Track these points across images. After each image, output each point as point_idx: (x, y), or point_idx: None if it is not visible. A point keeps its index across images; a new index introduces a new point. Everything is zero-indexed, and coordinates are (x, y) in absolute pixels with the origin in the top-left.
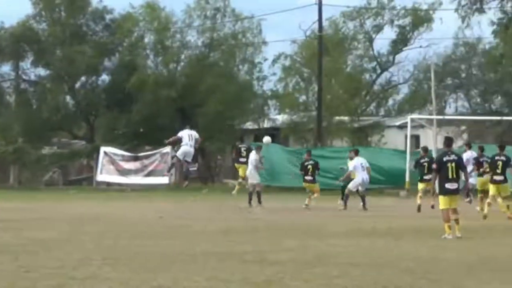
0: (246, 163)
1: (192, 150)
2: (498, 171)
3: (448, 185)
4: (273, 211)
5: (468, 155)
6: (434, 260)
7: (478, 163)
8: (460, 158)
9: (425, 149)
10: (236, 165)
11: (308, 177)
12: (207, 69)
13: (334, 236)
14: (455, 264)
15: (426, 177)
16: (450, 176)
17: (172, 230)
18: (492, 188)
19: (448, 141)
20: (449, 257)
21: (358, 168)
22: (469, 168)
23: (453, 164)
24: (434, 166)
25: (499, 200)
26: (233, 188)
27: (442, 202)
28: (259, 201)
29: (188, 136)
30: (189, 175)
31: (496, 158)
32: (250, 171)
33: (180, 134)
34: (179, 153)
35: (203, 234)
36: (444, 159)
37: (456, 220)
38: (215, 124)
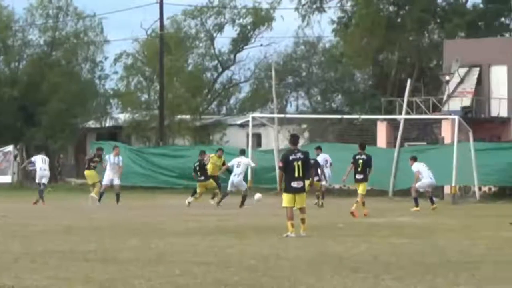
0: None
1: (47, 173)
2: (359, 169)
3: (294, 184)
4: (116, 210)
5: (322, 158)
6: (276, 257)
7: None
8: (306, 156)
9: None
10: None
11: (201, 178)
12: (49, 67)
13: (176, 235)
14: (297, 261)
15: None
16: (296, 175)
17: (14, 229)
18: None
19: (294, 139)
20: (292, 255)
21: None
22: (326, 171)
23: (299, 163)
24: (280, 164)
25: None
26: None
27: (286, 200)
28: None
29: (41, 160)
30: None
31: (357, 157)
32: None
33: (33, 158)
34: (37, 179)
35: (45, 233)
36: (290, 157)
37: (303, 220)
38: (57, 123)
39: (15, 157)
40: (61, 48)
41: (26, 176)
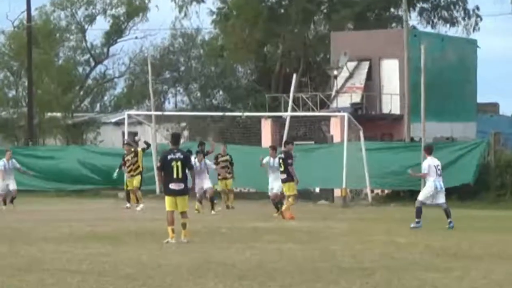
0: None
1: None
2: (281, 169)
3: (172, 185)
4: None
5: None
6: (156, 265)
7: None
8: (186, 157)
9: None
10: None
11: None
12: None
13: (45, 241)
14: (179, 269)
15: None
16: (175, 176)
17: None
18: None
19: (175, 138)
20: (173, 262)
21: None
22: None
23: (179, 163)
24: (158, 164)
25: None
26: None
27: (167, 203)
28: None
29: None
30: None
31: (279, 156)
32: None
33: None
34: None
35: None
36: (169, 157)
37: (183, 225)
38: None
39: None
40: None
41: None
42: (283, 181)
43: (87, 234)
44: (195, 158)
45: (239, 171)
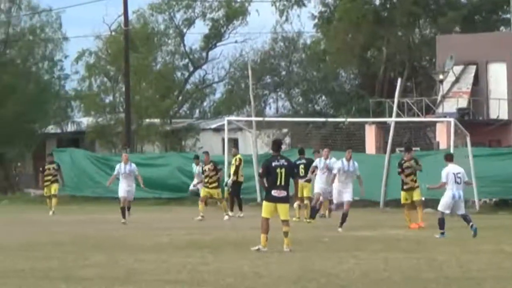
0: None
1: None
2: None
3: (275, 192)
4: (79, 223)
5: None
6: (256, 276)
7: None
8: (291, 164)
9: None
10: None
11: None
12: (3, 67)
13: (144, 250)
14: (279, 280)
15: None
16: (278, 183)
17: None
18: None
19: (276, 145)
20: (274, 273)
21: None
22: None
23: (283, 170)
24: (260, 171)
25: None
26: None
27: (265, 210)
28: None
29: None
30: None
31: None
32: None
33: None
34: None
35: (2, 250)
36: (273, 164)
37: (286, 233)
38: (13, 128)
39: None
40: (16, 46)
41: None
42: None
43: (187, 243)
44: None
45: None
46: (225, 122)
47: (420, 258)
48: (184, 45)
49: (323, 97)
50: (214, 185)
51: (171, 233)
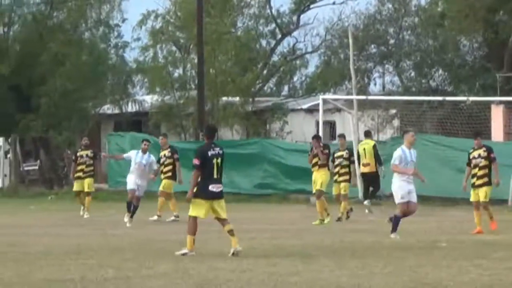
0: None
1: None
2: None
3: (212, 187)
4: (142, 225)
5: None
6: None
7: None
8: (223, 153)
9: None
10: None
11: None
12: (50, 34)
13: (219, 257)
14: None
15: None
16: (215, 176)
17: (5, 251)
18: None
19: (211, 131)
20: (378, 284)
21: None
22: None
23: (219, 160)
24: (196, 161)
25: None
26: None
27: (198, 208)
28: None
29: None
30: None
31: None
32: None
33: None
34: None
35: (45, 256)
36: (209, 153)
37: (232, 231)
38: (62, 108)
39: (6, 153)
40: (64, 8)
41: (22, 179)
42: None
43: (273, 249)
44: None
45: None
46: (320, 101)
47: None
48: (271, 7)
49: (440, 71)
50: (167, 175)
51: (254, 236)
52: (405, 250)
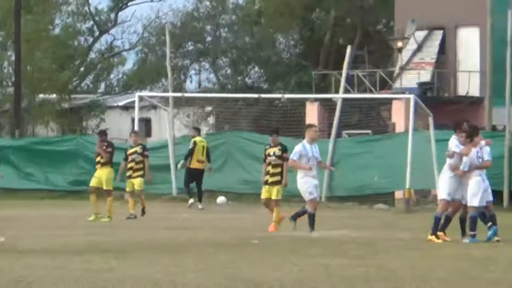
0: None
1: None
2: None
3: None
4: None
5: None
6: (171, 284)
7: None
8: None
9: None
10: None
11: None
12: None
13: (33, 254)
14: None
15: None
16: None
17: None
18: None
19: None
20: (192, 281)
21: None
22: None
23: None
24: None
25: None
26: None
27: None
28: None
29: None
30: None
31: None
32: None
33: None
34: None
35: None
36: None
37: None
38: None
39: None
40: None
41: None
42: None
43: (87, 245)
44: None
45: None
46: (136, 99)
47: (369, 265)
48: (89, 5)
49: (256, 68)
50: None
51: (69, 233)
52: (219, 247)
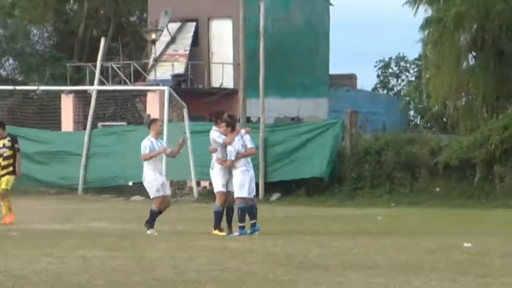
0: None
1: None
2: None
3: None
4: None
5: None
6: None
7: None
8: None
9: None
10: None
11: None
12: None
13: None
14: None
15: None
16: None
17: None
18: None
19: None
20: None
21: None
22: None
23: None
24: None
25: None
26: None
27: None
28: None
29: None
30: None
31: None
32: None
33: None
34: None
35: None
36: None
37: None
38: None
39: None
40: None
41: None
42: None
43: None
44: None
45: None
46: None
47: (128, 257)
48: None
49: (11, 60)
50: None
51: None
52: None
